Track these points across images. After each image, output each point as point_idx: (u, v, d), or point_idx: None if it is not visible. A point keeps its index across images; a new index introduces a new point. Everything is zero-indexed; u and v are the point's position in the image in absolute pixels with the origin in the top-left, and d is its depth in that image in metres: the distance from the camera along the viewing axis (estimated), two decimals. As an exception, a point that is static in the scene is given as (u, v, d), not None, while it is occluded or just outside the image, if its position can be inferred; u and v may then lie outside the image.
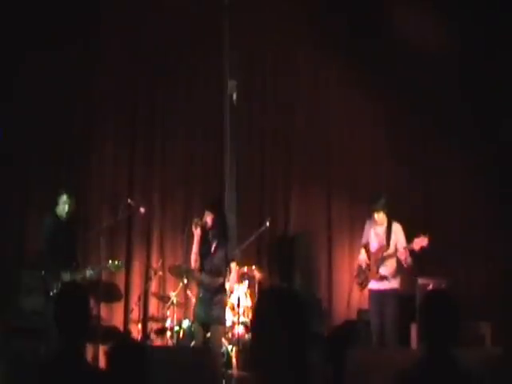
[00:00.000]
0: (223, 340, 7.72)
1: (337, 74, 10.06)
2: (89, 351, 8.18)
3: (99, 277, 8.39)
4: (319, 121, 10.05)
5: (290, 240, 9.71)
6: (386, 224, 8.12)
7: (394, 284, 7.97)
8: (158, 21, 9.87)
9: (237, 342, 7.94)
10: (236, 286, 8.13)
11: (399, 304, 7.92)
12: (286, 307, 2.65)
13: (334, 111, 10.06)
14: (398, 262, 8.04)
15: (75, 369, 3.52)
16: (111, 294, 9.06)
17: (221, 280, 7.48)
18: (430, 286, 8.45)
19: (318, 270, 9.66)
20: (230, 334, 8.09)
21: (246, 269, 8.66)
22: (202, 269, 7.48)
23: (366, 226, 8.32)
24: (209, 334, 7.38)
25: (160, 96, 9.91)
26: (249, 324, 8.13)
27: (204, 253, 7.48)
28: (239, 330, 8.02)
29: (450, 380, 3.43)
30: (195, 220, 7.54)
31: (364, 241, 8.31)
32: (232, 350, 7.84)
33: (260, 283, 8.71)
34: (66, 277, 7.96)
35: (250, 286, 8.61)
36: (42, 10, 9.35)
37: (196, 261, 7.47)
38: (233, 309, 8.16)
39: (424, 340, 3.61)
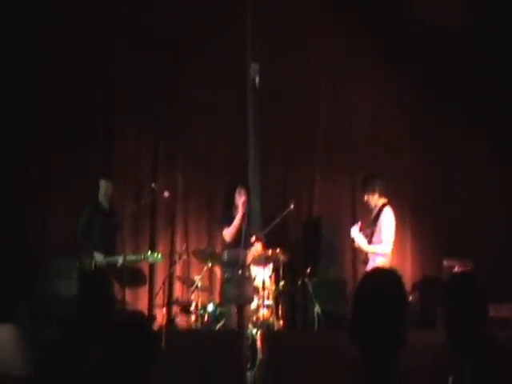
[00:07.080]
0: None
1: (361, 62, 10.02)
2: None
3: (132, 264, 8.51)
4: (342, 107, 10.06)
5: (315, 223, 9.68)
6: (377, 208, 7.85)
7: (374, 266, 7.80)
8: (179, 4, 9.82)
9: (262, 325, 7.93)
10: (261, 269, 8.13)
11: None
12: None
13: (357, 97, 10.06)
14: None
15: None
16: (136, 278, 9.10)
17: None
18: (456, 268, 8.39)
19: (343, 253, 9.61)
20: (254, 317, 8.08)
21: (270, 251, 8.64)
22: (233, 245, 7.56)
23: None
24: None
25: (182, 81, 9.86)
26: (273, 307, 8.15)
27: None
28: (264, 312, 8.02)
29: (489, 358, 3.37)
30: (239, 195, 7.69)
31: None
32: (257, 333, 7.82)
33: (284, 266, 8.69)
34: (100, 257, 8.06)
35: (274, 269, 8.59)
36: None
37: (233, 235, 7.52)
38: (257, 292, 8.15)
39: (450, 323, 3.53)
